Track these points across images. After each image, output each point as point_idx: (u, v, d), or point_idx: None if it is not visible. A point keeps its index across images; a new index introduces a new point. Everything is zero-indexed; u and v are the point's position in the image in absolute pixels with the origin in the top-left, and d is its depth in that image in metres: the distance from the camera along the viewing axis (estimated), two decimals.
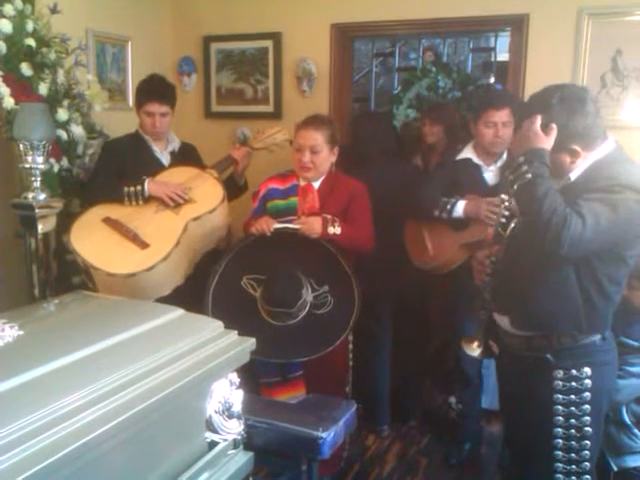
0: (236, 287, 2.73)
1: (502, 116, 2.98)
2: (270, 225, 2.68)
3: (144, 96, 3.11)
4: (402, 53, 6.73)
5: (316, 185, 2.85)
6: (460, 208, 3.03)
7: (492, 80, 5.26)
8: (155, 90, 3.12)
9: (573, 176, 2.01)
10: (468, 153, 3.12)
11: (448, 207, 3.06)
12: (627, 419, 2.55)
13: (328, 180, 2.86)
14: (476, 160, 3.08)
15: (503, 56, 5.41)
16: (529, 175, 1.88)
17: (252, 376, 2.56)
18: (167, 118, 3.13)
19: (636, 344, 2.54)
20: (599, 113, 2.00)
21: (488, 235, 2.82)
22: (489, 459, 3.37)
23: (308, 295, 2.66)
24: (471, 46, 6.29)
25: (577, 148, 1.95)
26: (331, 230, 2.66)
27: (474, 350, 2.34)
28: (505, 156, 3.06)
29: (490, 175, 3.06)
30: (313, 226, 2.65)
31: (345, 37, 4.22)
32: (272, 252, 2.69)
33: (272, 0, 4.23)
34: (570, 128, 1.94)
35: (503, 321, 2.16)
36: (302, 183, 2.85)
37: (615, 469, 2.52)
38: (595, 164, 1.97)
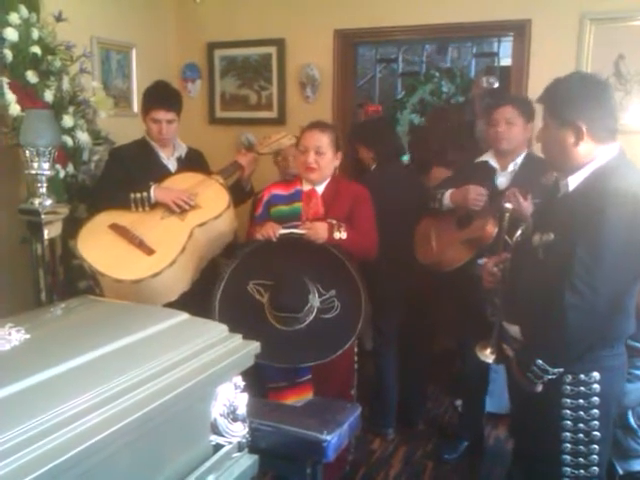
0: (243, 292, 2.73)
1: (503, 113, 3.01)
2: (276, 231, 2.68)
3: (150, 103, 3.12)
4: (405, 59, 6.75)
5: (320, 190, 2.85)
6: (447, 197, 3.11)
7: (496, 85, 5.27)
8: (161, 97, 3.13)
9: (572, 185, 2.01)
10: (487, 156, 3.15)
11: (438, 197, 3.15)
12: (633, 423, 2.54)
13: (332, 185, 2.87)
14: (493, 163, 3.11)
15: (506, 61, 5.42)
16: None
17: (260, 380, 2.57)
18: (173, 125, 3.14)
19: None
20: (615, 112, 2.01)
21: (486, 232, 2.88)
22: (494, 463, 3.36)
23: (315, 300, 2.66)
24: (474, 51, 6.31)
25: (583, 127, 1.94)
26: (337, 235, 2.67)
27: (488, 356, 2.34)
28: (520, 160, 3.06)
29: (502, 180, 3.07)
30: (319, 231, 2.66)
31: (348, 43, 4.24)
32: (278, 257, 2.69)
33: (275, 6, 4.26)
34: (582, 103, 1.95)
35: (512, 329, 2.16)
36: (306, 188, 2.86)
37: (621, 472, 2.52)
38: (595, 173, 1.97)
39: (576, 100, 1.96)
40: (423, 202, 3.31)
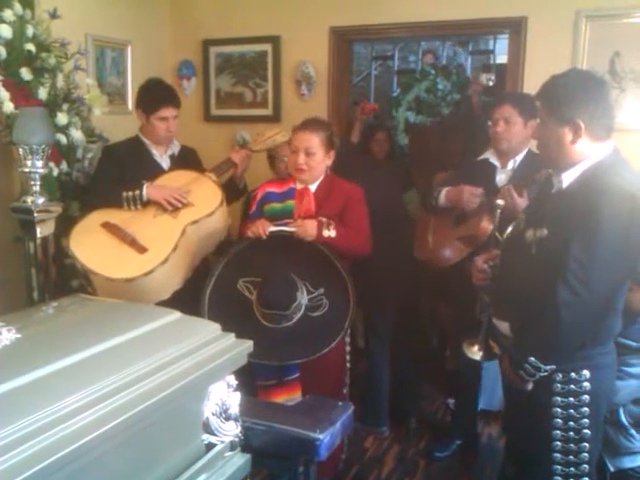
0: (232, 290, 2.73)
1: (502, 112, 2.99)
2: (265, 228, 2.68)
3: (159, 102, 3.09)
4: (401, 57, 6.75)
5: (312, 188, 2.85)
6: (443, 195, 3.13)
7: (491, 83, 5.28)
8: (168, 95, 3.15)
9: (566, 182, 2.01)
10: (488, 154, 3.15)
11: (435, 195, 3.16)
12: (624, 420, 2.55)
13: (324, 183, 2.86)
14: (493, 160, 3.11)
15: (502, 58, 5.42)
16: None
17: (249, 378, 2.57)
18: (176, 121, 3.16)
19: (635, 345, 2.55)
20: (612, 110, 2.02)
21: (481, 229, 2.89)
22: (486, 460, 3.37)
23: (303, 298, 2.67)
24: (470, 49, 6.30)
25: (581, 123, 1.94)
26: (326, 233, 2.67)
27: (475, 353, 2.35)
28: (519, 158, 3.05)
29: (502, 177, 3.08)
30: (307, 229, 2.66)
31: (344, 40, 4.24)
32: (268, 255, 2.69)
33: (271, 4, 4.25)
34: (581, 100, 1.95)
35: (502, 325, 2.16)
36: (299, 186, 2.86)
37: (612, 470, 2.53)
38: (589, 170, 1.97)
39: (575, 97, 1.95)
40: (423, 200, 3.34)
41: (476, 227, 2.97)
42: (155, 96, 3.13)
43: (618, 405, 2.52)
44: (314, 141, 2.77)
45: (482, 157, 3.18)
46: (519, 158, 3.05)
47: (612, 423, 2.52)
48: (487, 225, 2.91)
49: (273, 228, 2.71)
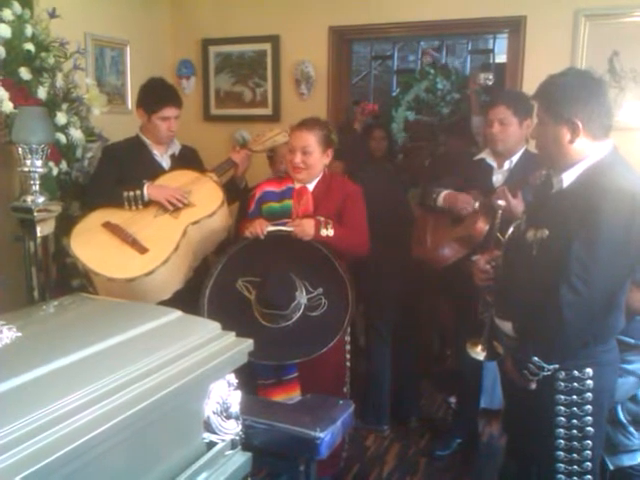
0: (232, 289, 2.74)
1: (496, 113, 2.99)
2: (263, 228, 2.68)
3: (161, 102, 3.08)
4: (400, 56, 6.76)
5: (311, 187, 2.85)
6: (442, 198, 3.13)
7: (489, 82, 5.28)
8: (171, 95, 3.14)
9: (566, 182, 2.01)
10: (485, 154, 3.15)
11: (434, 196, 3.16)
12: (622, 417, 2.55)
13: (323, 182, 2.87)
14: (489, 161, 3.11)
15: (501, 57, 5.42)
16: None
17: (250, 377, 2.57)
18: (177, 121, 3.16)
19: (633, 342, 2.54)
20: (610, 109, 2.02)
21: (477, 230, 2.90)
22: (487, 459, 3.37)
23: (302, 297, 2.67)
24: (469, 48, 6.31)
25: (579, 123, 1.94)
26: (324, 232, 2.67)
27: (479, 353, 2.36)
28: (515, 158, 3.05)
29: (498, 177, 3.08)
30: (305, 228, 2.66)
31: (343, 40, 4.24)
32: (267, 254, 2.70)
33: (270, 3, 4.25)
34: (578, 100, 1.95)
35: (505, 325, 2.17)
36: (297, 186, 2.86)
37: (611, 467, 2.53)
38: (589, 170, 1.97)
39: (572, 97, 1.96)
40: (421, 199, 3.34)
41: (472, 227, 2.98)
42: (158, 96, 3.12)
43: (616, 403, 2.52)
44: (310, 140, 2.77)
45: (478, 157, 3.18)
46: (515, 158, 3.05)
47: (611, 421, 2.52)
48: (483, 225, 2.92)
49: (271, 228, 2.71)
